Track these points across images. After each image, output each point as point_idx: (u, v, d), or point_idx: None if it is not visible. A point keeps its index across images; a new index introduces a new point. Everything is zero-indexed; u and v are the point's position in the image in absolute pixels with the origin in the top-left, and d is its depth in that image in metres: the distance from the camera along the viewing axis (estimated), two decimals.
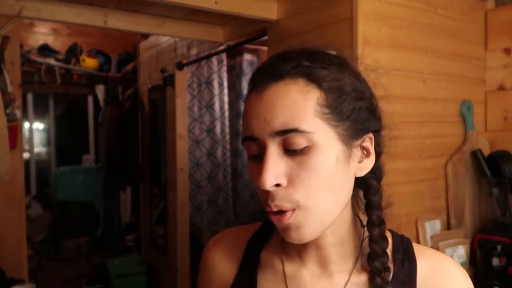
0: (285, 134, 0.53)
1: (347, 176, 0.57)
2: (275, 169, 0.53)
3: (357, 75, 0.60)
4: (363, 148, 0.59)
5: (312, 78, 0.54)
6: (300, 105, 0.53)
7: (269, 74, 0.55)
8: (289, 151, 0.54)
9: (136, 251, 3.78)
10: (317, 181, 0.54)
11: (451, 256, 1.64)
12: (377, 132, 0.61)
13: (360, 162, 0.59)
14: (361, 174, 0.59)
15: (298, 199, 0.54)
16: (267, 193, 0.55)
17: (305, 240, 0.56)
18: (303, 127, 0.53)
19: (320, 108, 0.54)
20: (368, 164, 0.60)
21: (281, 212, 0.54)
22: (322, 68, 0.56)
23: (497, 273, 1.59)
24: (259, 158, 0.56)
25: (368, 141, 0.59)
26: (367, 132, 0.59)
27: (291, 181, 0.54)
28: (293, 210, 0.54)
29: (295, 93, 0.54)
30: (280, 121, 0.53)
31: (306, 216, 0.54)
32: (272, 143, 0.54)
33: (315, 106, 0.54)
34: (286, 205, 0.54)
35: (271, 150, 0.54)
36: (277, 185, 0.54)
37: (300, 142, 0.53)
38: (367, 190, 0.63)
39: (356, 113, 0.57)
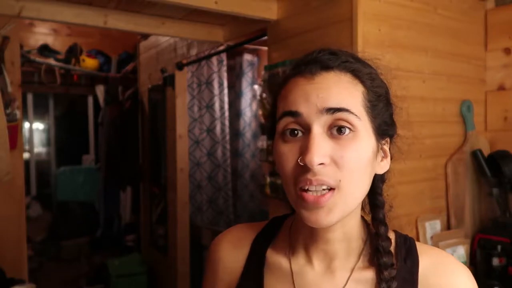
0: (336, 112, 0.55)
1: (373, 170, 0.61)
2: (321, 148, 0.55)
3: (384, 82, 0.64)
4: (383, 149, 0.63)
5: (358, 74, 0.59)
6: (351, 92, 0.57)
7: (319, 64, 0.59)
8: (334, 135, 0.56)
9: (136, 251, 3.78)
10: (358, 166, 0.56)
11: None
12: (391, 138, 0.65)
13: (381, 161, 0.63)
14: (381, 172, 0.63)
15: (340, 179, 0.55)
16: (307, 170, 0.55)
17: (329, 224, 0.57)
18: (353, 110, 0.56)
19: (365, 100, 0.58)
20: (386, 165, 0.64)
21: (317, 192, 0.55)
22: (364, 67, 0.60)
23: (497, 273, 1.59)
24: (294, 137, 0.57)
25: (386, 144, 0.63)
26: (387, 136, 0.63)
27: (334, 161, 0.55)
28: (332, 191, 0.55)
29: (346, 82, 0.58)
30: (334, 100, 0.56)
31: (340, 198, 0.56)
32: (318, 122, 0.56)
33: (362, 97, 0.58)
34: (328, 181, 0.55)
35: (317, 129, 0.56)
36: (320, 164, 0.55)
37: (348, 124, 0.56)
38: (374, 191, 0.65)
39: (385, 115, 0.61)
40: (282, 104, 0.59)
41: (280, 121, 0.59)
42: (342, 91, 0.57)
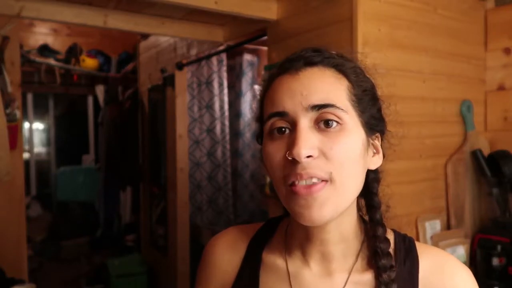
0: (322, 109, 0.55)
1: (365, 165, 0.60)
2: (309, 140, 0.54)
3: (370, 78, 0.64)
4: (374, 144, 0.62)
5: (342, 69, 0.59)
6: (335, 86, 0.57)
7: (302, 60, 0.59)
8: (321, 128, 0.56)
9: (136, 251, 3.78)
10: (348, 157, 0.56)
11: None
12: (382, 134, 0.64)
13: (373, 156, 0.62)
14: (373, 167, 0.63)
15: (330, 170, 0.55)
16: (296, 164, 0.54)
17: (322, 221, 0.56)
18: (339, 104, 0.56)
19: (350, 94, 0.58)
20: (378, 161, 0.63)
21: (308, 181, 0.55)
22: (348, 62, 0.61)
23: (497, 273, 1.59)
24: (282, 135, 0.57)
25: (377, 140, 0.63)
26: (377, 131, 0.63)
27: (323, 153, 0.55)
28: (325, 182, 0.55)
29: (330, 77, 0.58)
30: (318, 96, 0.56)
31: (332, 192, 0.55)
32: (304, 118, 0.56)
33: (347, 90, 0.58)
34: (319, 173, 0.54)
35: (304, 122, 0.56)
36: (309, 157, 0.54)
37: (335, 117, 0.55)
38: (369, 191, 0.65)
39: (372, 109, 0.61)
40: (269, 105, 0.59)
41: (267, 122, 0.59)
42: (327, 86, 0.57)
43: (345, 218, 0.61)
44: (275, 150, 0.57)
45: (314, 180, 0.54)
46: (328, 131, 0.56)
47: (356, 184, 0.58)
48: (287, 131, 0.57)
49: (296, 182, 0.55)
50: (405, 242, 0.65)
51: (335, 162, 0.55)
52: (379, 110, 0.63)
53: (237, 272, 0.68)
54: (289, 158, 0.55)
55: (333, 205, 0.55)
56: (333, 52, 0.62)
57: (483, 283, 1.61)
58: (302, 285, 0.63)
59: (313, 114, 0.56)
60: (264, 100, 0.62)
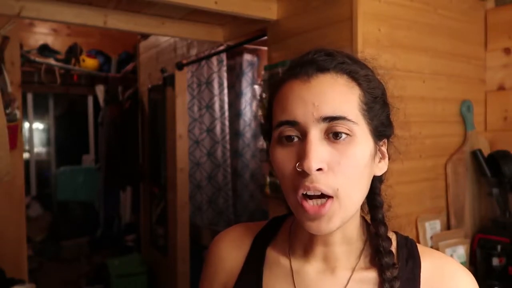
0: (332, 121, 0.55)
1: (371, 173, 0.60)
2: (319, 153, 0.55)
3: (381, 82, 0.64)
4: (380, 150, 0.62)
5: (355, 76, 0.58)
6: (347, 96, 0.57)
7: (315, 66, 0.58)
8: (331, 140, 0.56)
9: (136, 251, 3.78)
10: (355, 171, 0.56)
11: (451, 256, 1.64)
12: (388, 138, 0.64)
13: (379, 162, 0.63)
14: (379, 173, 0.63)
15: (337, 187, 0.55)
16: (305, 176, 0.55)
17: (331, 231, 0.58)
18: (350, 116, 0.56)
19: (361, 103, 0.57)
20: (384, 166, 0.63)
21: (317, 201, 0.55)
22: (361, 69, 0.60)
23: (497, 273, 1.59)
24: (291, 142, 0.57)
25: (383, 145, 0.63)
26: (384, 137, 0.62)
27: (331, 167, 0.55)
28: (331, 199, 0.55)
29: (342, 85, 0.57)
30: (330, 108, 0.55)
31: (339, 206, 0.56)
32: (315, 129, 0.55)
33: (358, 100, 0.57)
34: (326, 190, 0.55)
35: (314, 134, 0.55)
36: (319, 169, 0.55)
37: (345, 130, 0.55)
38: (372, 191, 0.65)
39: (381, 116, 0.61)
40: (279, 111, 0.59)
41: (277, 129, 0.59)
42: (338, 97, 0.56)
43: (349, 222, 0.61)
44: (286, 159, 0.58)
45: (321, 195, 0.55)
46: (337, 142, 0.56)
47: (361, 194, 0.59)
48: (296, 139, 0.57)
49: (305, 192, 0.56)
50: (407, 244, 0.66)
51: (342, 177, 0.55)
52: (388, 115, 0.63)
53: (241, 268, 0.69)
54: (299, 169, 0.55)
55: (340, 218, 0.57)
56: (346, 56, 0.60)
57: (483, 283, 1.61)
58: (305, 281, 0.64)
59: (323, 125, 0.55)
60: (273, 102, 0.62)
